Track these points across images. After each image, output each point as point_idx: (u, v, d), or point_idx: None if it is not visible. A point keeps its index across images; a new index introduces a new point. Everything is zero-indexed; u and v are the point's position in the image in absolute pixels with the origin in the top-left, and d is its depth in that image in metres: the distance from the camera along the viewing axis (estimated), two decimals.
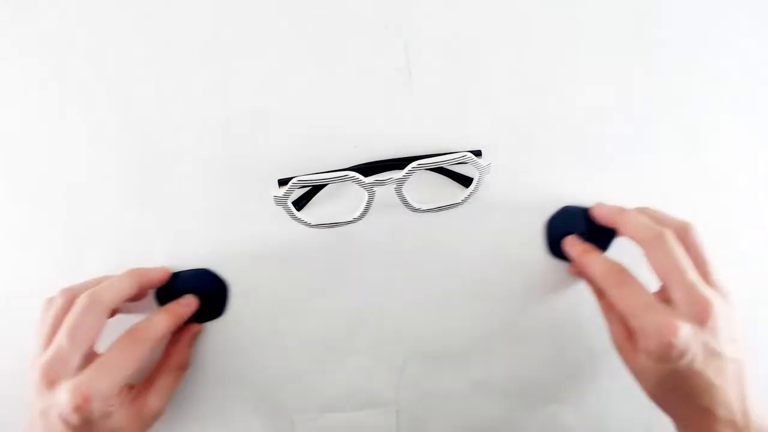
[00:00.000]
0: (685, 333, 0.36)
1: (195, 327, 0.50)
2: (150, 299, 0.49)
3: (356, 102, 0.52)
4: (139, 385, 0.45)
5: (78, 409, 0.34)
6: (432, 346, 0.57)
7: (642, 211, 0.45)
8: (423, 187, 0.51)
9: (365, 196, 0.47)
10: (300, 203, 0.51)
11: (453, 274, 0.55)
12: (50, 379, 0.36)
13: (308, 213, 0.51)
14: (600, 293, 0.47)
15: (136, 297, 0.46)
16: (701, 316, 0.37)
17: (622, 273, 0.42)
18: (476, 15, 0.52)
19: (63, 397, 0.35)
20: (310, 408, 0.57)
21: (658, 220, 0.43)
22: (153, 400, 0.44)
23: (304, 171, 0.50)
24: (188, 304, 0.47)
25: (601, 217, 0.47)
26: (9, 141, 0.51)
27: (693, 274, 0.38)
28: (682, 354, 0.36)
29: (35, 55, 0.50)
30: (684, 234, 0.41)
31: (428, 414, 0.58)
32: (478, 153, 0.50)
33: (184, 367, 0.48)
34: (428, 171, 0.51)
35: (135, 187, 0.52)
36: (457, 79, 0.52)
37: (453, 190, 0.52)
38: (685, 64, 0.54)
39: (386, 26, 0.51)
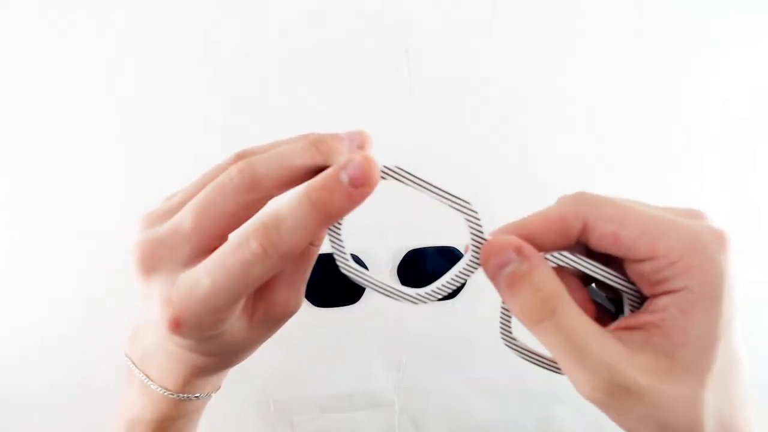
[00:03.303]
0: None
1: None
2: None
3: (356, 102, 0.52)
4: None
5: (172, 331, 0.25)
6: (432, 347, 0.57)
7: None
8: None
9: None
10: None
11: None
12: (148, 266, 0.26)
13: None
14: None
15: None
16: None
17: None
18: (475, 16, 0.52)
19: (156, 303, 0.25)
20: (310, 408, 0.57)
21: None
22: (281, 294, 0.29)
23: None
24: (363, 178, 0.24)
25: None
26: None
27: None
28: None
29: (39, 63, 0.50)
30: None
31: (428, 414, 0.58)
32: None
33: (316, 242, 0.30)
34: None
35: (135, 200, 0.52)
36: (457, 79, 0.53)
37: None
38: None
39: (388, 29, 0.51)
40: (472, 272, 0.25)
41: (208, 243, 0.25)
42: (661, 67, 0.54)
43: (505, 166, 0.54)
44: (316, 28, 0.51)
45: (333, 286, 0.54)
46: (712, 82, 0.55)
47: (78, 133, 0.51)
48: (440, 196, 0.24)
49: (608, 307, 0.25)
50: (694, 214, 0.24)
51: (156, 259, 0.26)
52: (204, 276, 0.24)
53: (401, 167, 0.24)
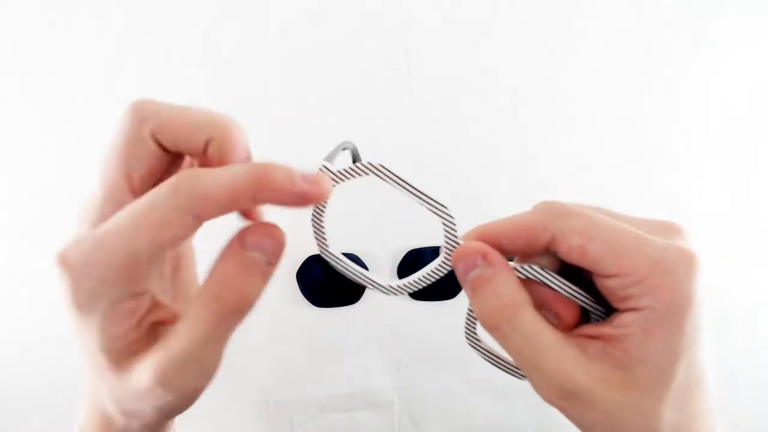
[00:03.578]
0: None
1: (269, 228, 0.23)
2: None
3: (356, 102, 0.52)
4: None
5: (60, 268, 0.21)
6: (432, 347, 0.57)
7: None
8: None
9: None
10: None
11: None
12: (79, 218, 0.23)
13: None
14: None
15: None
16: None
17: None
18: (475, 16, 0.52)
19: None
20: (310, 408, 0.57)
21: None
22: (147, 363, 0.21)
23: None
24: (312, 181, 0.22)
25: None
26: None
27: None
28: None
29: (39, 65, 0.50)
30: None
31: (428, 414, 0.58)
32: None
33: (240, 303, 0.21)
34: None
35: None
36: (457, 79, 0.53)
37: None
38: None
39: (388, 29, 0.51)
40: (444, 272, 0.26)
41: (120, 196, 0.22)
42: (661, 67, 0.54)
43: (505, 166, 0.54)
44: (316, 28, 0.51)
45: (333, 286, 0.54)
46: (712, 82, 0.55)
47: (78, 133, 0.51)
48: (419, 197, 0.24)
49: (594, 312, 0.25)
50: (671, 230, 0.24)
51: (80, 218, 0.23)
52: (109, 220, 0.21)
53: (384, 165, 0.24)
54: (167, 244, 0.21)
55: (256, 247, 0.22)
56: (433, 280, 0.26)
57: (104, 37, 0.50)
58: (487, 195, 0.54)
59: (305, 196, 0.21)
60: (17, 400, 0.54)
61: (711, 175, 0.56)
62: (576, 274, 0.25)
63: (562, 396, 0.23)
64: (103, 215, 0.22)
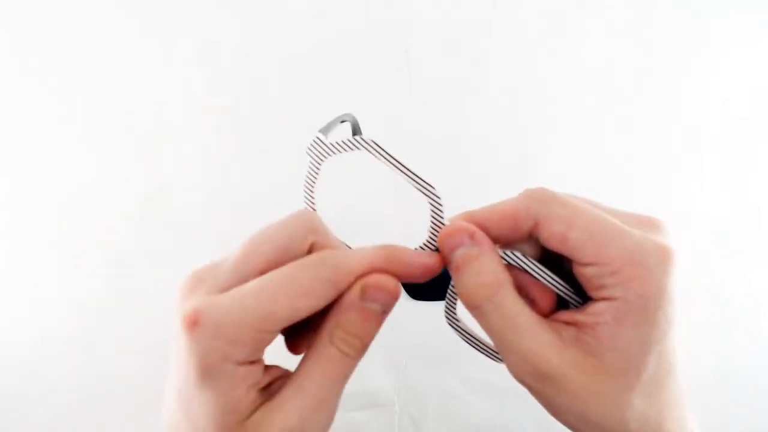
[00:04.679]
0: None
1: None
2: None
3: (356, 102, 0.52)
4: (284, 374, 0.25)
5: (188, 329, 0.21)
6: (432, 347, 0.57)
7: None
8: None
9: None
10: None
11: None
12: (192, 286, 0.24)
13: None
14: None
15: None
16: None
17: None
18: (475, 16, 0.52)
19: (182, 306, 0.22)
20: None
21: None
22: (272, 410, 0.23)
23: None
24: (429, 258, 0.25)
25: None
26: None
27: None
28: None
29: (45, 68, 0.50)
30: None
31: (428, 414, 0.58)
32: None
33: (362, 346, 0.24)
34: None
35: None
36: (457, 79, 0.53)
37: None
38: None
39: (388, 29, 0.51)
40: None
41: (248, 273, 0.23)
42: (661, 67, 0.54)
43: (505, 166, 0.54)
44: (316, 28, 0.51)
45: None
46: (712, 82, 0.55)
47: (78, 133, 0.51)
48: (408, 176, 0.25)
49: (571, 300, 0.25)
50: (651, 224, 0.24)
51: (193, 286, 0.23)
52: (246, 285, 0.22)
53: (376, 142, 0.25)
54: (304, 311, 0.22)
55: (375, 300, 0.23)
56: None
57: (104, 37, 0.50)
58: (488, 195, 0.54)
59: (428, 267, 0.25)
60: (17, 400, 0.54)
61: (711, 175, 0.56)
62: (555, 263, 0.25)
63: (536, 377, 0.23)
64: (226, 286, 0.22)
